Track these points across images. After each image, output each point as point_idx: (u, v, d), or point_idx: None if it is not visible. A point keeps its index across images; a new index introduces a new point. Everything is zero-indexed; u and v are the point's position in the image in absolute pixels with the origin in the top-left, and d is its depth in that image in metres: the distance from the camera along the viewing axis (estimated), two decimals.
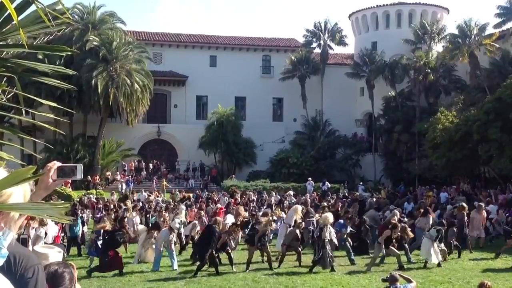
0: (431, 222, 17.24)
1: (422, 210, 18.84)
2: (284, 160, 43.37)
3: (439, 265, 14.70)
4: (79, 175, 2.38)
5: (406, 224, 16.27)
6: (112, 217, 17.45)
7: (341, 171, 45.02)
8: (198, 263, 13.94)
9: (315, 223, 17.12)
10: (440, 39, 43.05)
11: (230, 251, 14.54)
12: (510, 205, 24.09)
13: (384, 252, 14.67)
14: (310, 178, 37.29)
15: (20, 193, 2.19)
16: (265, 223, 14.63)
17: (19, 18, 2.21)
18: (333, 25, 48.02)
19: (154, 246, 14.72)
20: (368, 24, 48.45)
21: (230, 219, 17.10)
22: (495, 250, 16.96)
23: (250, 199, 26.81)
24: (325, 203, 22.81)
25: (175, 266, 14.22)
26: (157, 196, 29.17)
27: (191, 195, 29.04)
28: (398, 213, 17.28)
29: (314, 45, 48.76)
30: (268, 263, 14.36)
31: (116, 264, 13.41)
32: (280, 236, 16.36)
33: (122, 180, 37.94)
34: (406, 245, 15.79)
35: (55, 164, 2.36)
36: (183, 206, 19.91)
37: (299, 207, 18.11)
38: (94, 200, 26.17)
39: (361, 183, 39.95)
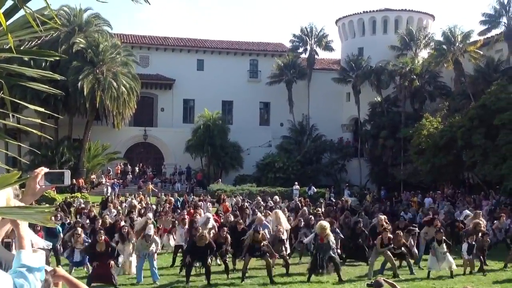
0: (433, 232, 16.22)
1: (428, 219, 17.83)
2: (270, 165, 43.43)
3: (451, 275, 14.21)
4: (67, 181, 2.38)
5: (411, 232, 15.55)
6: (100, 223, 16.70)
7: (327, 176, 45.18)
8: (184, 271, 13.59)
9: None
10: (426, 46, 43.47)
11: (226, 260, 14.19)
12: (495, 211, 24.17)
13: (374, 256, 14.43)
14: (296, 183, 37.37)
15: (3, 197, 2.19)
16: (249, 236, 13.99)
17: (7, 22, 2.20)
18: (320, 31, 48.32)
19: (130, 258, 14.32)
20: (355, 30, 48.77)
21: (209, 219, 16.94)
22: (488, 258, 16.70)
23: (240, 205, 24.47)
24: (320, 210, 21.56)
25: (155, 278, 13.58)
26: (142, 200, 28.69)
27: (172, 199, 28.29)
28: (383, 218, 16.89)
29: (301, 50, 48.97)
30: (268, 275, 13.61)
31: (104, 277, 12.57)
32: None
33: (107, 183, 37.64)
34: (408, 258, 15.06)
35: (43, 170, 2.35)
36: (150, 215, 18.92)
37: (279, 212, 17.76)
38: (82, 205, 25.40)
39: (347, 184, 40.15)
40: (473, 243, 14.56)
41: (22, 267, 2.18)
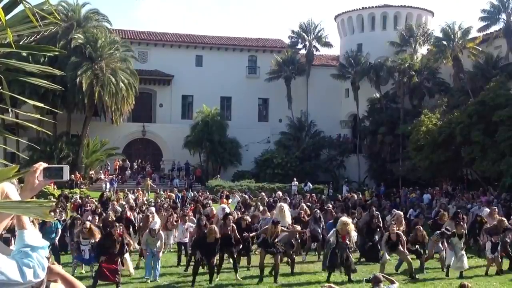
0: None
1: (446, 215, 17.03)
2: (269, 161, 43.46)
3: (461, 274, 13.82)
4: (66, 177, 2.37)
5: (444, 235, 14.74)
6: (97, 220, 16.32)
7: (326, 172, 45.21)
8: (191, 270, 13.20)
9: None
10: (425, 42, 43.44)
11: (235, 254, 13.61)
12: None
13: (387, 256, 13.92)
14: (295, 179, 37.40)
15: None
16: (268, 230, 13.29)
17: (7, 17, 2.20)
18: (318, 26, 48.30)
19: (126, 256, 13.87)
20: (354, 26, 48.71)
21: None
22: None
23: (245, 202, 23.88)
24: (330, 206, 20.62)
25: (156, 277, 13.32)
26: (142, 196, 28.64)
27: (172, 195, 28.21)
28: (402, 215, 16.12)
29: (300, 46, 48.99)
30: (274, 274, 13.19)
31: (111, 274, 12.05)
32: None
33: (106, 179, 37.64)
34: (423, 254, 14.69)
35: (41, 165, 2.35)
36: (152, 209, 18.41)
37: (285, 206, 16.65)
38: (79, 201, 25.21)
39: (346, 181, 40.13)
40: (498, 241, 14.12)
41: (25, 247, 2.19)
